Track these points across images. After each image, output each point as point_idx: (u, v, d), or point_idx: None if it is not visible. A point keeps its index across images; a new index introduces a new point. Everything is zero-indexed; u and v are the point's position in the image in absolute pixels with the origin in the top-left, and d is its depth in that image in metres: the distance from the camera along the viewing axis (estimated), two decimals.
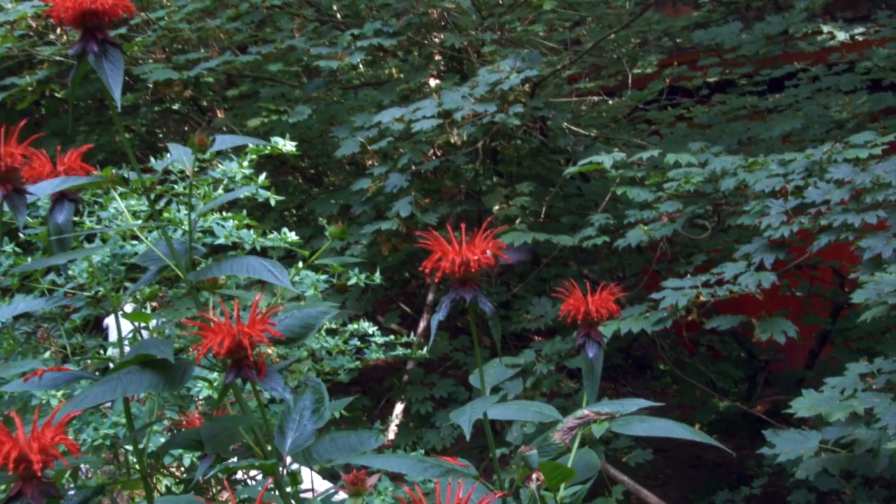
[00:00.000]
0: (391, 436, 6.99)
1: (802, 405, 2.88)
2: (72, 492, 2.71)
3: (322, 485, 3.81)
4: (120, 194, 3.40)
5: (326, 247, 2.27)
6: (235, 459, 1.93)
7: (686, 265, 5.26)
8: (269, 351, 3.55)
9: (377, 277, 3.90)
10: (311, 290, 3.68)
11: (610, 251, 5.94)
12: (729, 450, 2.00)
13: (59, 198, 1.93)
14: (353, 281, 3.88)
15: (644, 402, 1.66)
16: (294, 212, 7.18)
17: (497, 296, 7.24)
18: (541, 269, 6.93)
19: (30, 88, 6.22)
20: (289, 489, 1.79)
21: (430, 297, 6.82)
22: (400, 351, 4.00)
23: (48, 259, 1.91)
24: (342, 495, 2.32)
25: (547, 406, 2.22)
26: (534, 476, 1.56)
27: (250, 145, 3.58)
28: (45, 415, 1.44)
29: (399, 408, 6.56)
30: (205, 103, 8.37)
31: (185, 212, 3.23)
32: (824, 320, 6.82)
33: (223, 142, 1.80)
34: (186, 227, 2.34)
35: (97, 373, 2.32)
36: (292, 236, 3.93)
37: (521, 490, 1.61)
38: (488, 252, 1.60)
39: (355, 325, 3.93)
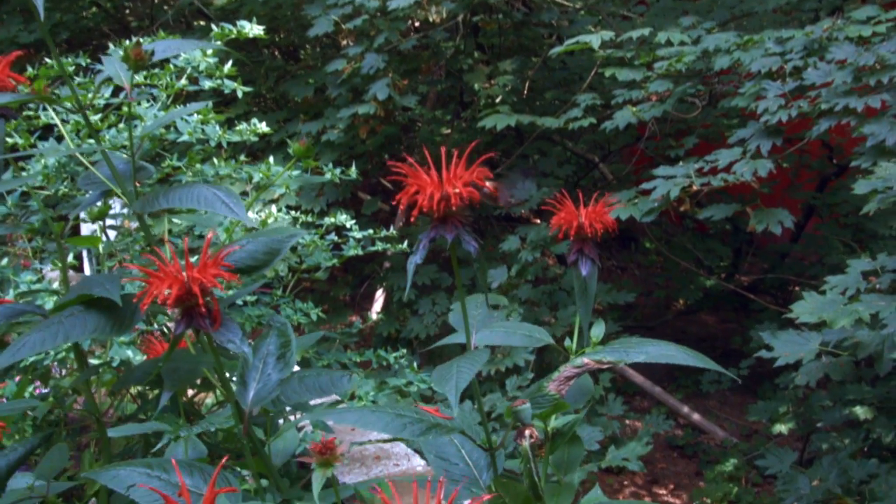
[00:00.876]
0: (374, 317, 6.90)
1: (804, 309, 2.73)
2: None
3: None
4: (79, 84, 3.16)
5: (290, 165, 2.05)
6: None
7: (677, 147, 5.05)
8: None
9: (353, 172, 3.69)
10: (281, 188, 3.48)
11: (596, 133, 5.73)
12: (733, 375, 1.85)
13: None
14: (327, 177, 3.68)
15: (653, 346, 1.49)
16: (267, 96, 6.89)
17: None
18: (525, 146, 6.72)
19: None
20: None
21: None
22: (379, 246, 3.83)
23: None
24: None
25: (537, 328, 2.05)
26: (526, 433, 1.40)
27: (214, 29, 3.33)
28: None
29: (380, 294, 6.43)
30: None
31: (128, 131, 3.02)
32: (809, 194, 6.66)
33: (166, 49, 1.58)
34: (132, 144, 2.12)
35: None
36: (262, 127, 3.71)
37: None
38: (473, 182, 1.40)
39: (332, 219, 3.75)
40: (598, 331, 1.96)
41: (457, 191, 1.38)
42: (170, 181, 2.17)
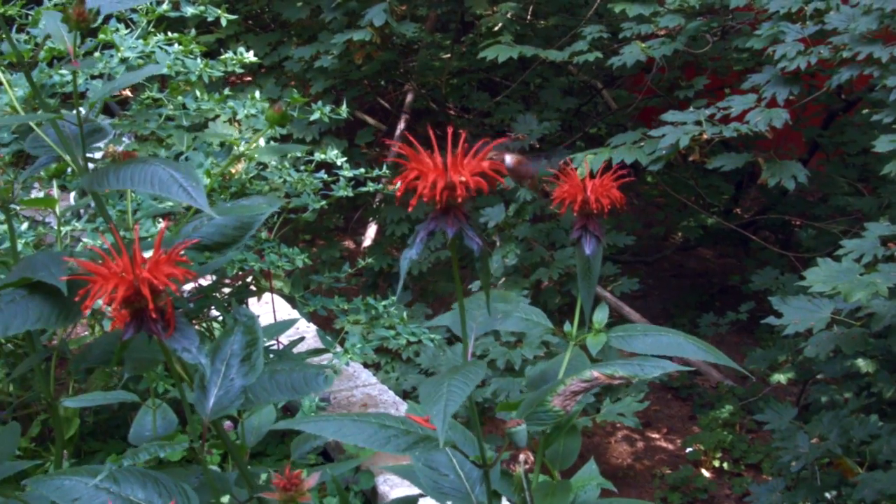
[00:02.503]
0: (365, 243, 6.72)
1: (817, 277, 2.56)
2: None
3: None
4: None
5: (263, 133, 1.85)
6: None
7: (686, 88, 4.83)
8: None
9: (343, 111, 3.49)
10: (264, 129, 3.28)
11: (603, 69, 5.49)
12: (744, 369, 1.69)
13: None
14: (315, 115, 3.48)
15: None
16: (261, 14, 6.59)
17: (479, 102, 6.81)
18: (527, 73, 6.47)
19: None
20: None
21: (402, 123, 6.39)
22: (370, 187, 3.65)
23: None
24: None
25: (534, 310, 1.89)
26: (521, 457, 1.24)
27: None
28: None
29: (372, 229, 6.26)
30: None
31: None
32: (815, 130, 6.44)
33: (111, 4, 1.37)
34: (77, 102, 1.93)
35: None
36: (249, 56, 3.49)
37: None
38: (483, 170, 1.21)
39: (322, 154, 3.55)
40: (601, 315, 1.79)
41: (463, 179, 1.20)
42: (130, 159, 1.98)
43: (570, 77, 6.87)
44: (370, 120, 7.16)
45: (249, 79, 6.34)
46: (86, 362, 1.65)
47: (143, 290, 1.14)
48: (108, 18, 3.21)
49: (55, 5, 2.68)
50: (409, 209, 1.20)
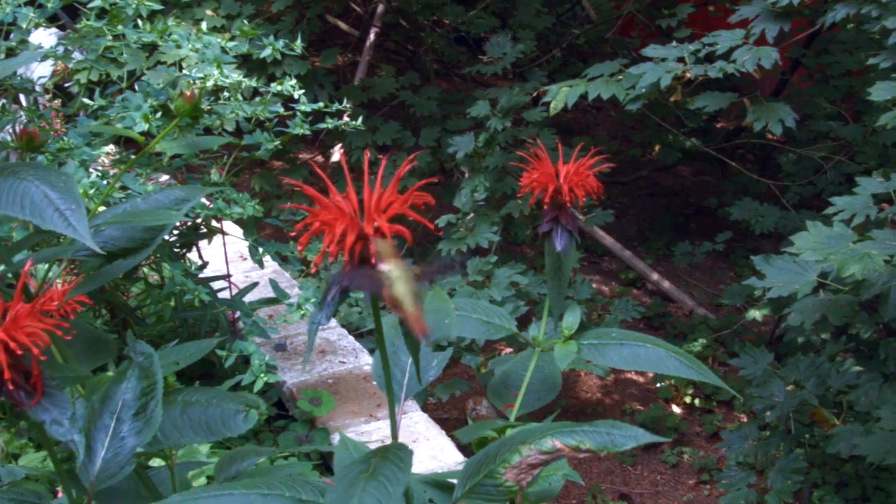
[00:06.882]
0: (334, 157, 6.45)
1: (806, 243, 2.35)
2: None
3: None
4: None
5: (172, 126, 1.59)
6: None
7: (670, 17, 4.54)
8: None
9: (298, 46, 3.21)
10: (214, 68, 3.01)
11: None
12: (731, 390, 1.50)
13: None
14: (267, 52, 3.20)
15: (643, 435, 1.10)
16: None
17: (452, 16, 6.48)
18: None
19: None
20: None
21: (372, 37, 6.07)
22: (329, 123, 3.40)
23: None
24: None
25: (496, 309, 1.66)
26: None
27: None
28: None
29: (338, 150, 5.99)
30: None
31: None
32: (798, 50, 6.16)
33: None
34: None
35: None
36: None
37: None
38: (405, 213, 0.98)
39: (278, 86, 3.29)
40: (571, 319, 1.58)
41: (378, 227, 0.96)
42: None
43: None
44: (343, 25, 6.82)
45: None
46: None
47: None
48: None
49: None
50: (313, 271, 0.97)
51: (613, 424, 1.09)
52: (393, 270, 0.93)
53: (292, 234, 0.99)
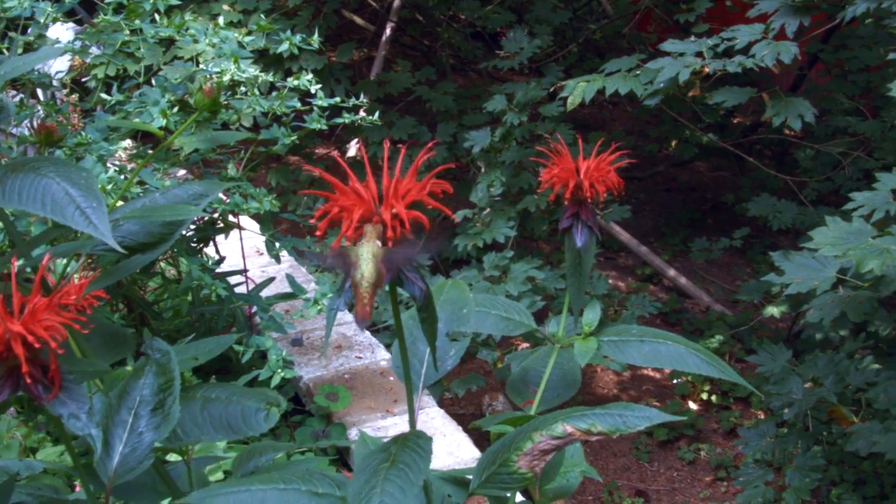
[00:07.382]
0: (350, 152, 6.45)
1: (825, 238, 2.33)
2: None
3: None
4: None
5: (192, 121, 1.59)
6: None
7: (688, 12, 4.52)
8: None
9: (315, 41, 3.21)
10: (231, 63, 3.01)
11: None
12: (751, 386, 1.49)
13: None
14: (284, 47, 3.20)
15: (655, 414, 1.10)
16: None
17: (468, 11, 6.47)
18: None
19: None
20: None
21: (388, 32, 6.05)
22: (346, 118, 3.40)
23: None
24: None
25: (515, 305, 1.65)
26: None
27: None
28: None
29: (355, 145, 5.99)
30: None
31: None
32: (816, 46, 6.11)
33: None
34: None
35: None
36: None
37: None
38: (423, 197, 0.98)
39: (295, 80, 3.30)
40: (592, 316, 1.57)
41: (396, 214, 0.96)
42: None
43: None
44: (359, 20, 6.82)
45: None
46: None
47: (15, 347, 0.91)
48: None
49: None
50: (332, 249, 0.96)
51: (626, 406, 1.09)
52: (363, 251, 0.93)
53: (311, 220, 0.99)
